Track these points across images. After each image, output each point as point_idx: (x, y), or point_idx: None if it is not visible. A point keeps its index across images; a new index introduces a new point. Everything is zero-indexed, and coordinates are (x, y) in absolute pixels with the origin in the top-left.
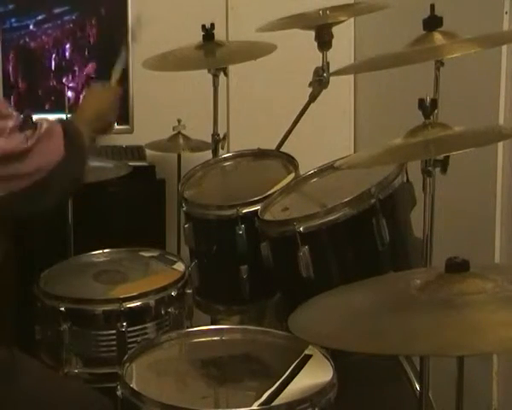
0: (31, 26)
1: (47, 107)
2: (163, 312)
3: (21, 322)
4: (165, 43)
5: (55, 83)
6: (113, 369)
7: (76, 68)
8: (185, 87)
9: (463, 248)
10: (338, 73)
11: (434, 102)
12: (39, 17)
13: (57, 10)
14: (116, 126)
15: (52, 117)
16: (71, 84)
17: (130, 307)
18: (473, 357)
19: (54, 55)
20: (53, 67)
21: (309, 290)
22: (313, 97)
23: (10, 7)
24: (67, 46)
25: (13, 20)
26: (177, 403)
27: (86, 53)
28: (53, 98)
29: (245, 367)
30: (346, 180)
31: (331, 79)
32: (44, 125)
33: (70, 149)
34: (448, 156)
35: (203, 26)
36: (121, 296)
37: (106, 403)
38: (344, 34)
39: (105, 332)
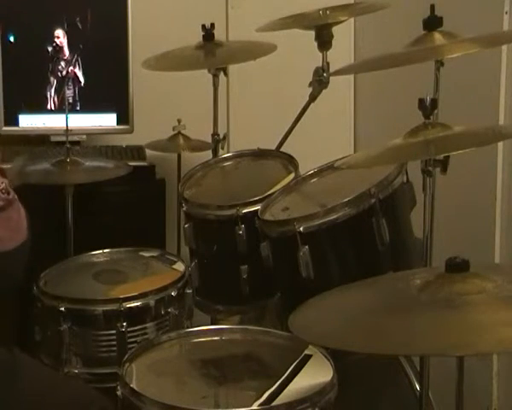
0: None
1: None
2: (163, 312)
3: (21, 322)
4: (165, 43)
5: None
6: (113, 369)
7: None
8: (185, 87)
9: (463, 248)
10: (338, 73)
11: (434, 102)
12: None
13: None
14: (116, 126)
15: None
16: None
17: (130, 307)
18: (473, 357)
19: None
20: None
21: (309, 290)
22: (313, 97)
23: None
24: None
25: None
26: (177, 403)
27: None
28: None
29: (245, 367)
30: (346, 180)
31: (331, 78)
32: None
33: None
34: (448, 156)
35: (203, 26)
36: (121, 296)
37: (106, 403)
38: (344, 34)
39: (105, 332)
